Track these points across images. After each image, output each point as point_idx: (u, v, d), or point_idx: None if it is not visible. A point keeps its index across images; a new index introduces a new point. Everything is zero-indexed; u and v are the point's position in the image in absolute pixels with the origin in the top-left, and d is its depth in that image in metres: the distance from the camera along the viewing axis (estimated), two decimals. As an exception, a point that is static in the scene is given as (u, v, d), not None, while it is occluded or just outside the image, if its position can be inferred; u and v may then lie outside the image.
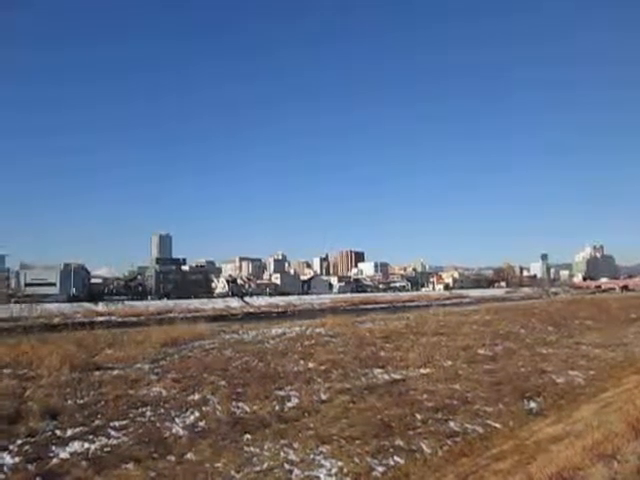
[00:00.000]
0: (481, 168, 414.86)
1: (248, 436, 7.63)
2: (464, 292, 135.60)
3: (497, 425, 8.43)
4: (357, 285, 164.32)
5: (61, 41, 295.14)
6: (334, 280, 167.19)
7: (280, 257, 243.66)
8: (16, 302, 70.89)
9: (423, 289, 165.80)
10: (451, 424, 8.35)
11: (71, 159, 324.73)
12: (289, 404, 9.70)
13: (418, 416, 8.74)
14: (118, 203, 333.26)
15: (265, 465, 6.38)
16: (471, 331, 23.15)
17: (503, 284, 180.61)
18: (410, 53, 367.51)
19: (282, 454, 6.78)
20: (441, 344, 18.47)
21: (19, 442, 7.46)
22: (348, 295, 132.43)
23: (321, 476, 6.09)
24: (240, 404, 9.60)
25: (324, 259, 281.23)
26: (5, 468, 6.41)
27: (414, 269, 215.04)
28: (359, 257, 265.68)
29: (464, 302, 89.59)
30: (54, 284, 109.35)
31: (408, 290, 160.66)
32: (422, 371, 13.17)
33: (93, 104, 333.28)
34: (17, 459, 6.74)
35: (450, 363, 14.32)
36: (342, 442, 7.28)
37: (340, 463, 6.45)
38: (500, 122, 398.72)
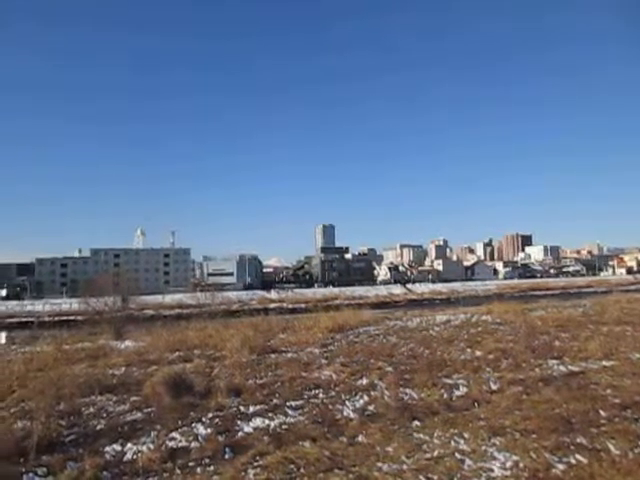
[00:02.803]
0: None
1: (417, 423, 7.63)
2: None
3: (703, 429, 7.37)
4: (525, 270, 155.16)
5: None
6: (499, 265, 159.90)
7: (441, 243, 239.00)
8: (201, 290, 79.09)
9: (601, 273, 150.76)
10: (643, 424, 7.49)
11: (245, 157, 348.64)
12: (457, 393, 9.50)
13: (602, 413, 7.99)
14: (285, 195, 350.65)
15: (435, 453, 6.33)
16: (664, 320, 20.50)
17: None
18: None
19: (452, 443, 6.67)
20: (626, 334, 16.63)
21: (210, 415, 8.33)
22: (515, 281, 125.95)
23: (495, 469, 5.87)
24: (407, 390, 9.63)
25: (488, 244, 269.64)
26: (200, 437, 7.19)
27: (589, 252, 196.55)
28: (526, 240, 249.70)
29: (653, 288, 79.73)
30: (232, 274, 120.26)
31: (583, 275, 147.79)
32: (604, 363, 11.98)
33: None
34: (209, 430, 7.52)
35: (638, 356, 12.85)
36: (516, 435, 6.94)
37: (515, 457, 6.15)
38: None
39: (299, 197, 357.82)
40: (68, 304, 70.07)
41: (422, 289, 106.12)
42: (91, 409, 8.98)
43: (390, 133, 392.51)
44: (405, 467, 5.91)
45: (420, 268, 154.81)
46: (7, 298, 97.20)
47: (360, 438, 6.95)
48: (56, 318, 58.99)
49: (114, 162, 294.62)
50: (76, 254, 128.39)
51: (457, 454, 6.28)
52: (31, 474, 5.96)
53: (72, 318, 44.20)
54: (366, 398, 9.21)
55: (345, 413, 8.29)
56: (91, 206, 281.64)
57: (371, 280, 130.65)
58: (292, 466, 5.96)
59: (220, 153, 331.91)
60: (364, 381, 10.59)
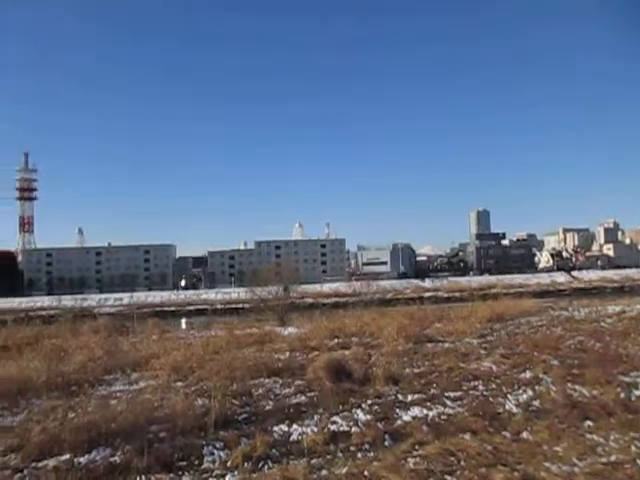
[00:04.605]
0: None
1: (589, 423, 7.06)
2: None
3: None
4: None
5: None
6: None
7: (612, 225, 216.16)
8: (356, 279, 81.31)
9: None
10: None
11: (396, 146, 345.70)
12: (637, 392, 8.58)
13: None
14: (437, 182, 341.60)
15: (613, 457, 5.79)
16: None
17: None
18: None
19: (633, 448, 6.03)
20: None
21: (369, 402, 8.53)
22: None
23: (691, 482, 5.21)
24: (577, 387, 8.94)
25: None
26: (359, 423, 7.40)
27: None
28: None
29: None
30: (385, 263, 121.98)
31: None
32: None
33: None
34: (369, 417, 7.71)
35: None
36: None
37: None
38: None
39: (451, 183, 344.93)
40: (236, 293, 76.31)
41: (590, 276, 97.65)
42: (260, 390, 9.70)
43: (546, 110, 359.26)
44: (577, 470, 5.50)
45: (587, 254, 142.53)
46: (186, 288, 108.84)
47: (525, 435, 6.63)
48: (227, 306, 64.72)
49: (276, 159, 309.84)
50: (242, 246, 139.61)
51: (639, 461, 5.70)
52: (210, 447, 6.61)
53: (240, 306, 48.02)
54: (530, 392, 8.75)
55: (507, 407, 7.96)
56: (254, 200, 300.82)
57: (531, 267, 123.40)
58: (452, 458, 5.88)
59: (370, 143, 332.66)
60: (527, 374, 10.08)
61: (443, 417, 7.55)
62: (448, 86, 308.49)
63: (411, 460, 5.90)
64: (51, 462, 6.14)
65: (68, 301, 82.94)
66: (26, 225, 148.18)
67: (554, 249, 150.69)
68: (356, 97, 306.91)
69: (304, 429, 7.19)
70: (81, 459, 6.21)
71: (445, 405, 8.18)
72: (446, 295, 64.97)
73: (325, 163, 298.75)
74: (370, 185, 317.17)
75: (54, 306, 74.21)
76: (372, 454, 6.17)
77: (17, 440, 6.79)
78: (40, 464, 6.11)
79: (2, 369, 11.89)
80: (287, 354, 13.66)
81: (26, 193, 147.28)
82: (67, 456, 6.26)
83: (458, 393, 8.87)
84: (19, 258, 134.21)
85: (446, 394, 8.80)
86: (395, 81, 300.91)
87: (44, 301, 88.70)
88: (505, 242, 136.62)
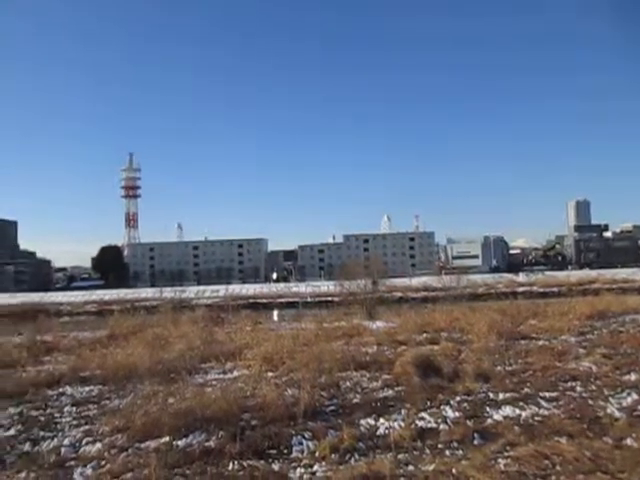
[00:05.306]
0: None
1: (702, 432, 6.49)
2: None
3: None
4: None
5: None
6: None
7: None
8: (446, 273, 79.75)
9: None
10: None
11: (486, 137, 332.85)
12: None
13: None
14: (531, 171, 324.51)
15: None
16: None
17: None
18: None
19: None
20: None
21: (458, 399, 8.36)
22: None
23: None
24: (692, 390, 8.25)
25: None
26: (448, 420, 7.27)
27: None
28: None
29: None
30: (476, 256, 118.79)
31: None
32: None
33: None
34: (457, 414, 7.55)
35: None
36: None
37: None
38: None
39: (548, 172, 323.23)
40: (326, 286, 77.26)
41: None
42: (347, 383, 9.80)
43: None
44: (690, 483, 5.08)
45: None
46: (277, 281, 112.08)
47: (629, 441, 6.19)
48: (316, 299, 65.76)
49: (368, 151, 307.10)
50: (331, 240, 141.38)
51: None
52: (299, 437, 6.78)
53: (329, 299, 48.62)
54: (635, 396, 8.17)
55: (609, 410, 7.48)
56: (343, 194, 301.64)
57: (637, 261, 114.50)
58: (546, 462, 5.62)
59: (458, 130, 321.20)
60: (632, 377, 9.42)
61: (537, 418, 7.24)
62: (541, 64, 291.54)
63: (502, 461, 5.72)
64: (152, 444, 6.59)
65: (168, 293, 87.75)
66: (131, 221, 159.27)
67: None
68: (444, 68, 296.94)
69: (391, 424, 7.17)
70: (179, 442, 6.62)
71: (539, 406, 7.84)
72: (541, 290, 62.17)
73: (413, 153, 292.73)
74: (460, 175, 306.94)
75: (156, 297, 78.85)
76: (460, 452, 6.05)
77: (123, 421, 7.35)
78: (143, 445, 6.59)
79: (111, 356, 12.88)
80: (375, 348, 13.66)
81: (131, 191, 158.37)
82: (166, 439, 6.71)
83: (554, 394, 8.46)
84: (125, 252, 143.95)
85: (540, 394, 8.43)
86: (489, 55, 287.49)
87: (147, 292, 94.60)
88: (607, 234, 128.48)
